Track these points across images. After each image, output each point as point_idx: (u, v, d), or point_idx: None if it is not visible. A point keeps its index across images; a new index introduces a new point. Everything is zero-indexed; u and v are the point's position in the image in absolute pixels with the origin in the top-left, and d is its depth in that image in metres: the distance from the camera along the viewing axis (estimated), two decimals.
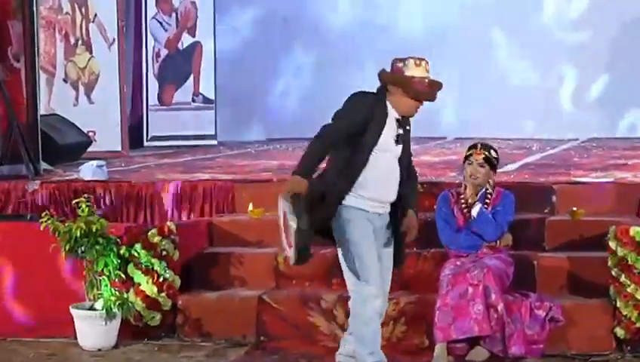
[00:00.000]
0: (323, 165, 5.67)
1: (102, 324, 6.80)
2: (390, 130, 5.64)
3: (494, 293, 6.27)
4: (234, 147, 13.31)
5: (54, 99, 12.06)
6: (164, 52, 13.95)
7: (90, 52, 12.24)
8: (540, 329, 6.42)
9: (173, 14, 13.95)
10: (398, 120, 5.67)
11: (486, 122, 13.98)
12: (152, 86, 13.88)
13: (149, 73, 13.86)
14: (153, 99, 13.88)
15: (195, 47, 14.06)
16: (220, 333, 6.96)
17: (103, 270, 6.84)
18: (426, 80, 5.62)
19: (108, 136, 11.97)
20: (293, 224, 5.34)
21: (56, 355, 6.78)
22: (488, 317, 6.25)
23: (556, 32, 14.71)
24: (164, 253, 6.97)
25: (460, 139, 13.44)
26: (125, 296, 6.87)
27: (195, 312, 7.03)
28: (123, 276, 6.91)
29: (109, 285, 6.84)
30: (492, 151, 6.59)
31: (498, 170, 6.99)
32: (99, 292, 6.86)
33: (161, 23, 13.93)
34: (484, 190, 6.59)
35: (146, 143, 13.74)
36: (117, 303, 6.79)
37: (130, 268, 6.96)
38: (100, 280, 6.86)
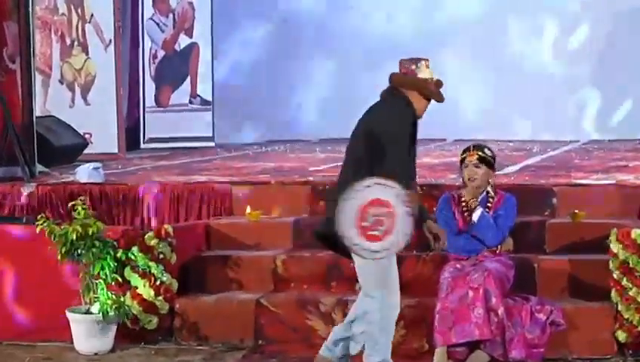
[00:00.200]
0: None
1: (98, 328, 6.75)
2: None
3: (495, 297, 6.22)
4: (231, 149, 13.25)
5: (50, 100, 12.04)
6: (161, 53, 13.92)
7: (87, 53, 12.21)
8: (541, 332, 6.37)
9: (171, 15, 13.91)
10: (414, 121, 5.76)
11: (486, 124, 13.98)
12: (149, 87, 13.86)
13: (145, 74, 13.82)
14: (150, 100, 13.85)
15: (193, 48, 14.01)
16: (217, 337, 6.92)
17: (99, 273, 6.79)
18: (435, 80, 5.74)
19: (104, 138, 11.93)
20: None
21: (52, 359, 6.74)
22: (489, 321, 6.20)
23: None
24: (161, 256, 6.93)
25: (459, 141, 13.39)
26: (122, 299, 6.82)
27: (193, 316, 6.99)
28: (120, 279, 6.87)
29: (105, 288, 6.79)
30: (486, 150, 6.52)
31: (498, 173, 6.93)
32: (95, 295, 6.81)
33: (158, 24, 13.88)
34: (485, 193, 6.53)
35: (142, 145, 13.70)
36: (113, 307, 6.74)
37: (127, 271, 6.91)
38: (97, 283, 6.81)
